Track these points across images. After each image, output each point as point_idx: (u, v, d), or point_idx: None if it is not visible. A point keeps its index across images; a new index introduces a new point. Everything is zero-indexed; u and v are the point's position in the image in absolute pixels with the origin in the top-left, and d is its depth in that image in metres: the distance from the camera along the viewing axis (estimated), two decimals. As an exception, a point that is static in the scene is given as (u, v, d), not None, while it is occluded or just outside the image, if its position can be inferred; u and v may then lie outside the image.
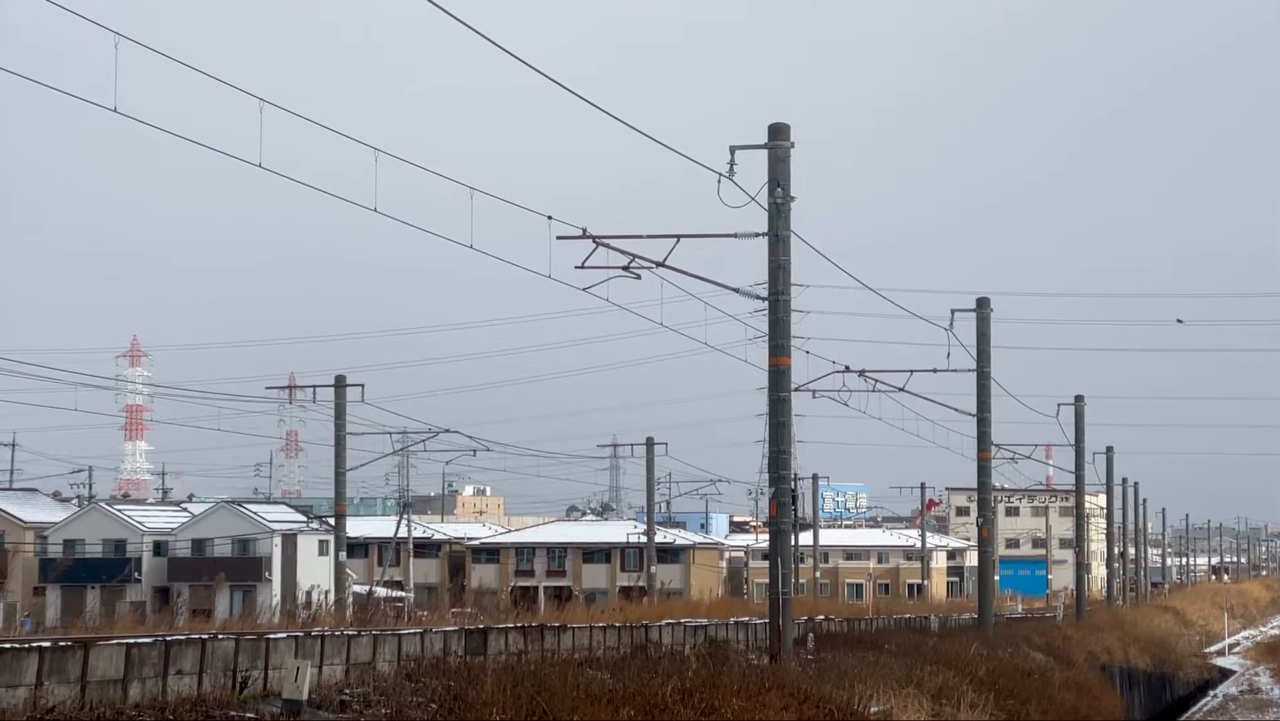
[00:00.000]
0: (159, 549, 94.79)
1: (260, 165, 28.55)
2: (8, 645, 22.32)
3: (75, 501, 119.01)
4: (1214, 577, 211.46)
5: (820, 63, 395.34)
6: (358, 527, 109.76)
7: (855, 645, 47.90)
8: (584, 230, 36.14)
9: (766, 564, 38.29)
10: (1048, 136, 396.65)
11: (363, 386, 73.59)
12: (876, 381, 55.81)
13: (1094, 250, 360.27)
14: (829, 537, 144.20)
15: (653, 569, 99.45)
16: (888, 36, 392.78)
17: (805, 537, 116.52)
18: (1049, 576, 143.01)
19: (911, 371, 56.97)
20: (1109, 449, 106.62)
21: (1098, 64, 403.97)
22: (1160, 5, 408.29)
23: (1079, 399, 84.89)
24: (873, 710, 32.46)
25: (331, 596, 64.68)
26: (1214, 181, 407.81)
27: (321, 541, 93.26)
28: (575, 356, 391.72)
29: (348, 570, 77.02)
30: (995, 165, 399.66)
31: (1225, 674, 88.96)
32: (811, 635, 49.38)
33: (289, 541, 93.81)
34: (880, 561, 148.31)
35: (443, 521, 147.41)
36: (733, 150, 34.80)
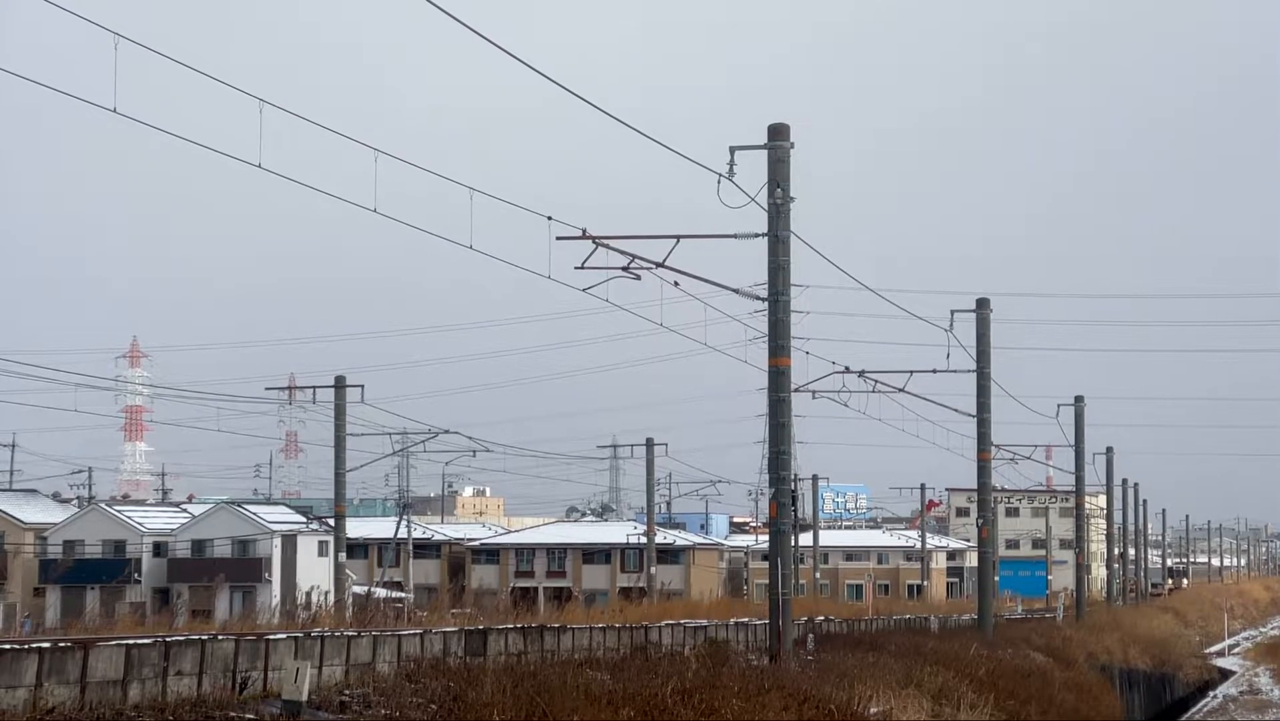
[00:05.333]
0: (159, 550, 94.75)
1: (260, 165, 28.58)
2: (8, 646, 22.32)
3: (75, 502, 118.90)
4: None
5: (823, 66, 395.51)
6: (357, 528, 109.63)
7: (855, 646, 47.92)
8: (584, 231, 36.13)
9: (766, 564, 38.28)
10: (1049, 143, 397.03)
11: (362, 387, 73.47)
12: (876, 382, 55.79)
13: (1095, 252, 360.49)
14: (829, 538, 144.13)
15: (652, 570, 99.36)
16: (894, 44, 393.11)
17: (805, 538, 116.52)
18: (1049, 577, 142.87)
19: (911, 372, 57.01)
20: (1109, 449, 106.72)
21: (1099, 72, 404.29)
22: (1148, 21, 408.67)
23: (1079, 399, 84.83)
24: (872, 711, 32.45)
25: (331, 597, 64.61)
26: (1213, 184, 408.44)
27: (321, 542, 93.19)
28: (575, 357, 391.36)
29: (347, 571, 76.92)
30: (997, 171, 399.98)
31: (1225, 674, 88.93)
32: (811, 636, 49.40)
33: (289, 542, 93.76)
34: (880, 562, 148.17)
35: (442, 522, 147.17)
36: (732, 150, 34.77)
